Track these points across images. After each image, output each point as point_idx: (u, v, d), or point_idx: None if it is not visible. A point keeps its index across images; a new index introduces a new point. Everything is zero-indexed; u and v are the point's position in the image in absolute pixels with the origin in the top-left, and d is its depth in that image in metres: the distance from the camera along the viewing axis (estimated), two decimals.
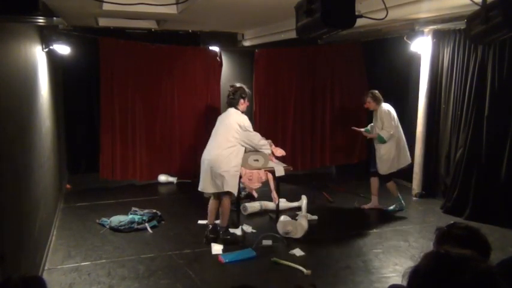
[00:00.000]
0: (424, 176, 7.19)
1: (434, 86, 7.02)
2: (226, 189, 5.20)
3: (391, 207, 6.54)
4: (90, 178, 7.76)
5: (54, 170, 5.93)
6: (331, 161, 8.87)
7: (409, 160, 6.60)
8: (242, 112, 5.42)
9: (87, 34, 7.14)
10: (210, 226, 5.43)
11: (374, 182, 6.57)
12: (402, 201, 6.54)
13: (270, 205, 6.32)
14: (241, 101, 5.42)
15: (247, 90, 5.52)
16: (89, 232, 5.66)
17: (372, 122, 6.60)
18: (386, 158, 6.30)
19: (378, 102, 6.28)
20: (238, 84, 5.57)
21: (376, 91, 6.36)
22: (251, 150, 5.55)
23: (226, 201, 5.34)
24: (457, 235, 1.98)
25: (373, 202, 6.62)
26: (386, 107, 6.31)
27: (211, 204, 5.48)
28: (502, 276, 1.22)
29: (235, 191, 5.34)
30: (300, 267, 4.64)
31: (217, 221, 5.47)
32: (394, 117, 6.28)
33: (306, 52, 8.41)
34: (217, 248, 5.15)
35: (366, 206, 6.64)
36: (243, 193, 6.52)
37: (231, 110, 5.43)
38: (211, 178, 5.25)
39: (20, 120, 3.86)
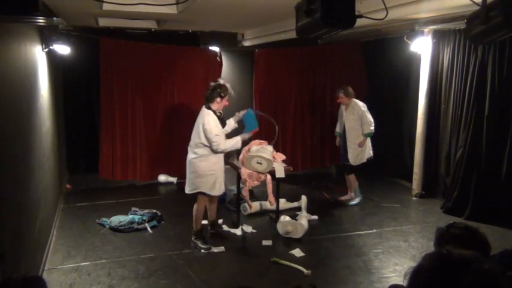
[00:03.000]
0: (424, 176, 7.19)
1: (434, 86, 7.02)
2: (194, 190, 5.19)
3: (354, 202, 6.80)
4: (90, 178, 7.76)
5: (54, 170, 5.93)
6: (331, 161, 8.87)
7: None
8: (216, 111, 5.09)
9: (87, 34, 7.14)
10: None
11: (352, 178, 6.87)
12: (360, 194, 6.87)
13: (270, 205, 6.31)
14: (218, 99, 5.06)
15: (229, 89, 5.14)
16: (89, 232, 5.66)
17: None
18: (364, 147, 6.64)
19: (350, 97, 6.63)
20: (221, 81, 5.19)
21: (349, 86, 6.70)
22: (255, 153, 5.53)
23: (196, 204, 5.26)
24: (456, 235, 1.99)
25: (350, 194, 6.91)
26: (359, 102, 6.65)
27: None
28: (502, 266, 1.22)
29: (208, 192, 5.18)
30: (300, 267, 4.64)
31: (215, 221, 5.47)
32: None
33: (306, 52, 8.41)
34: (219, 248, 5.19)
35: (343, 198, 6.91)
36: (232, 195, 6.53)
37: (203, 109, 5.12)
38: (187, 178, 5.25)
39: (20, 120, 3.85)
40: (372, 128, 6.56)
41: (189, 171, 5.19)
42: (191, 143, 5.17)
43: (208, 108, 5.09)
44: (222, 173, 5.22)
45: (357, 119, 6.58)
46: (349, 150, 6.65)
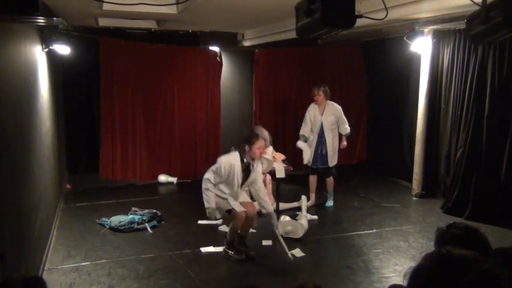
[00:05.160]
0: (424, 176, 7.19)
1: (434, 86, 7.02)
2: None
3: (329, 204, 6.70)
4: (90, 178, 7.77)
5: (54, 170, 5.93)
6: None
7: None
8: (244, 159, 4.70)
9: (87, 34, 7.14)
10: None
11: (314, 179, 6.72)
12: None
13: None
14: (246, 147, 4.65)
15: (262, 136, 4.64)
16: (89, 232, 5.66)
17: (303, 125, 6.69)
18: (338, 148, 6.58)
19: (327, 97, 6.53)
20: (256, 128, 4.80)
21: (327, 86, 6.62)
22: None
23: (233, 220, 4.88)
24: (456, 235, 1.98)
25: (313, 200, 6.71)
26: (334, 103, 6.57)
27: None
28: (497, 260, 1.22)
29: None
30: (289, 253, 4.76)
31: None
32: None
33: (306, 52, 8.41)
34: (208, 249, 5.16)
35: (309, 204, 6.56)
36: None
37: (235, 151, 4.82)
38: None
39: (20, 120, 3.85)
40: (348, 126, 6.50)
41: None
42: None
43: (240, 152, 4.74)
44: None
45: (334, 121, 6.44)
46: (330, 153, 6.44)
